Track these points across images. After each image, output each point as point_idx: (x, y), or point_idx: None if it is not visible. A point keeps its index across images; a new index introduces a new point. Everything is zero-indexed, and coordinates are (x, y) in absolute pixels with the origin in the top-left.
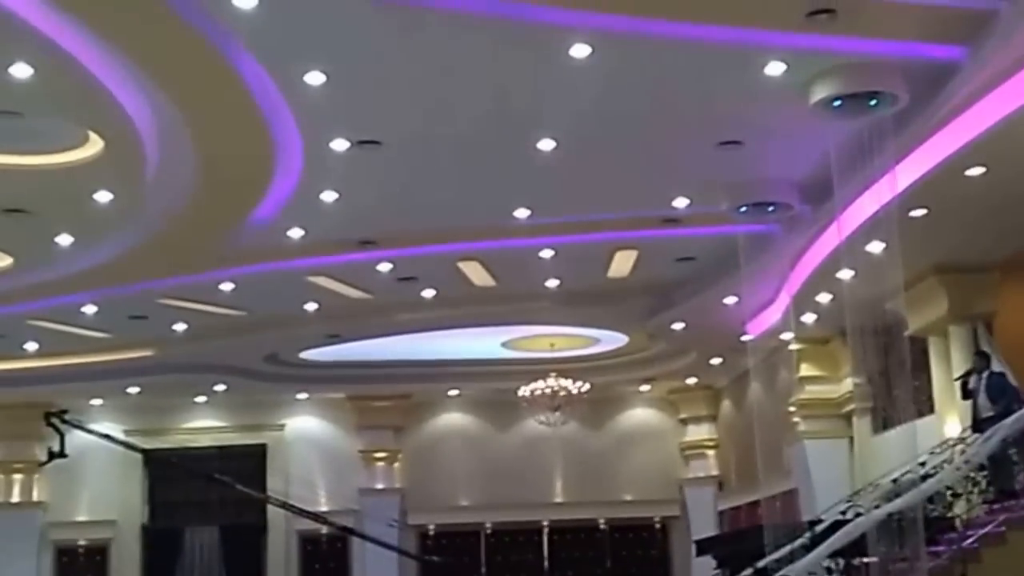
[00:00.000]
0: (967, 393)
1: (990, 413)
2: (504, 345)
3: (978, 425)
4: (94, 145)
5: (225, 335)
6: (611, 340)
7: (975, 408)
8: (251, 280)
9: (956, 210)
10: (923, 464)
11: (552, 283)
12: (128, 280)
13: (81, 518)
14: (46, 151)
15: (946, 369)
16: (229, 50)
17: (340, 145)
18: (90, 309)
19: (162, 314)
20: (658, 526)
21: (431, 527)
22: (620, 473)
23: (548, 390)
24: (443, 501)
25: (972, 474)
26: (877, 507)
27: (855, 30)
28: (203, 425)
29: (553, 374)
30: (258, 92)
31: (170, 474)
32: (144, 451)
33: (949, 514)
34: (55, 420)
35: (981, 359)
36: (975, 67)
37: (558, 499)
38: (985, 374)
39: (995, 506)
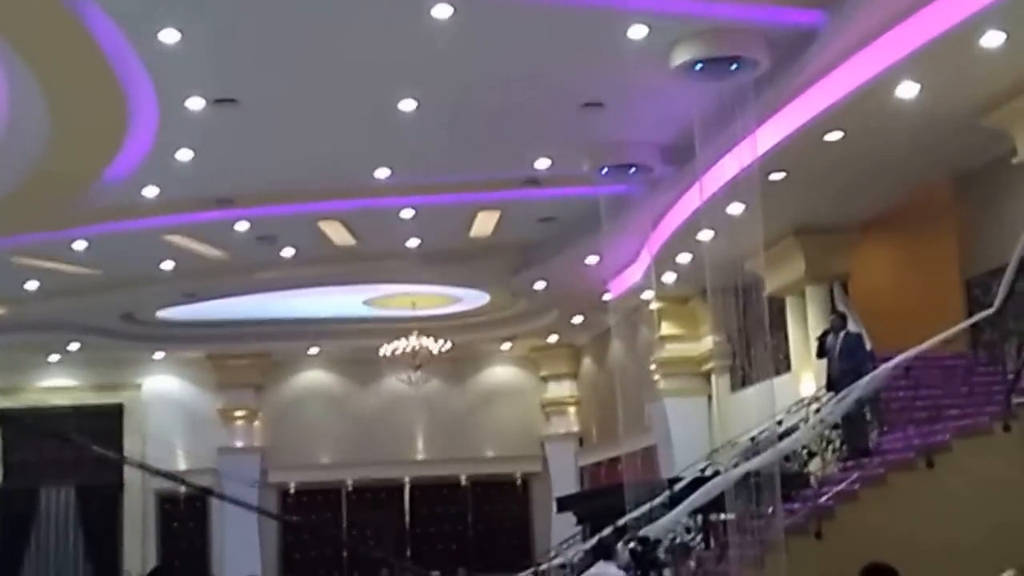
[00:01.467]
0: (823, 352)
1: (840, 373)
2: (366, 303)
3: (832, 384)
4: None
5: (79, 294)
6: (473, 299)
7: (830, 366)
8: (106, 239)
9: (815, 174)
10: (780, 423)
11: (413, 242)
12: None
13: None
14: None
15: (803, 328)
16: (80, 6)
17: (196, 103)
18: None
19: (13, 273)
20: (519, 482)
21: (292, 485)
22: (482, 430)
23: (409, 348)
24: (304, 459)
25: (827, 433)
26: (735, 465)
27: None
28: (58, 384)
29: (415, 332)
30: (111, 50)
31: (25, 433)
32: None
33: (805, 471)
34: None
35: (839, 319)
36: (834, 33)
37: (420, 456)
38: (842, 334)
39: (849, 463)
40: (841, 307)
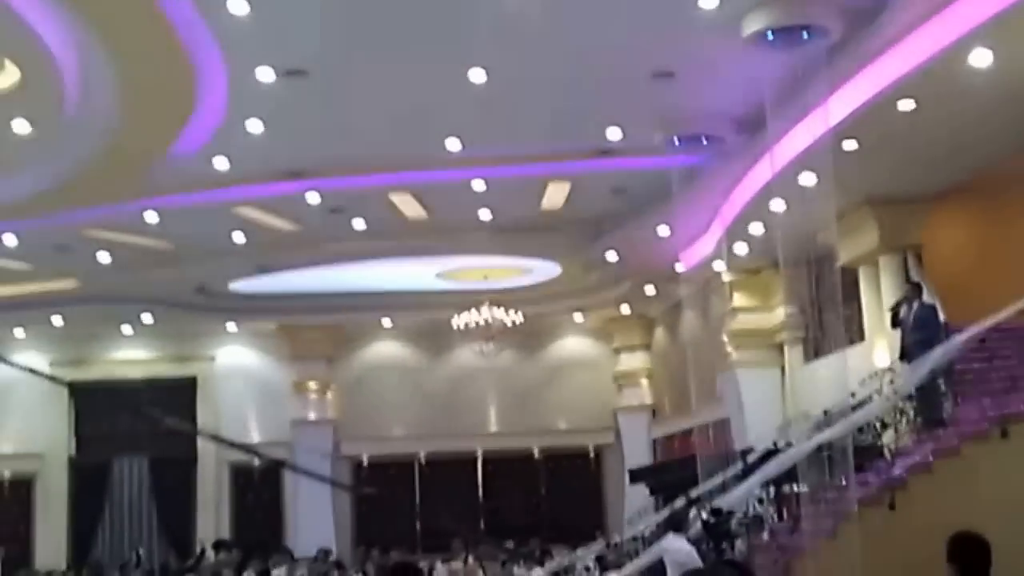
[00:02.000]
0: (896, 322)
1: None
2: (438, 276)
3: (905, 354)
4: (11, 74)
5: (152, 266)
6: (545, 270)
7: (903, 337)
8: (177, 211)
9: (887, 143)
10: (853, 394)
11: (485, 214)
12: (51, 211)
13: (5, 451)
14: None
15: (876, 299)
16: None
17: (266, 75)
18: (11, 240)
19: (87, 245)
20: (592, 454)
21: (365, 457)
22: (554, 402)
23: (482, 320)
24: (377, 431)
25: (900, 404)
26: (808, 437)
27: None
28: (131, 357)
29: (487, 304)
30: (180, 22)
31: (98, 406)
32: (69, 383)
33: (878, 443)
34: None
35: (914, 289)
36: (906, 0)
37: (492, 428)
38: (915, 304)
39: (922, 435)
40: (915, 277)
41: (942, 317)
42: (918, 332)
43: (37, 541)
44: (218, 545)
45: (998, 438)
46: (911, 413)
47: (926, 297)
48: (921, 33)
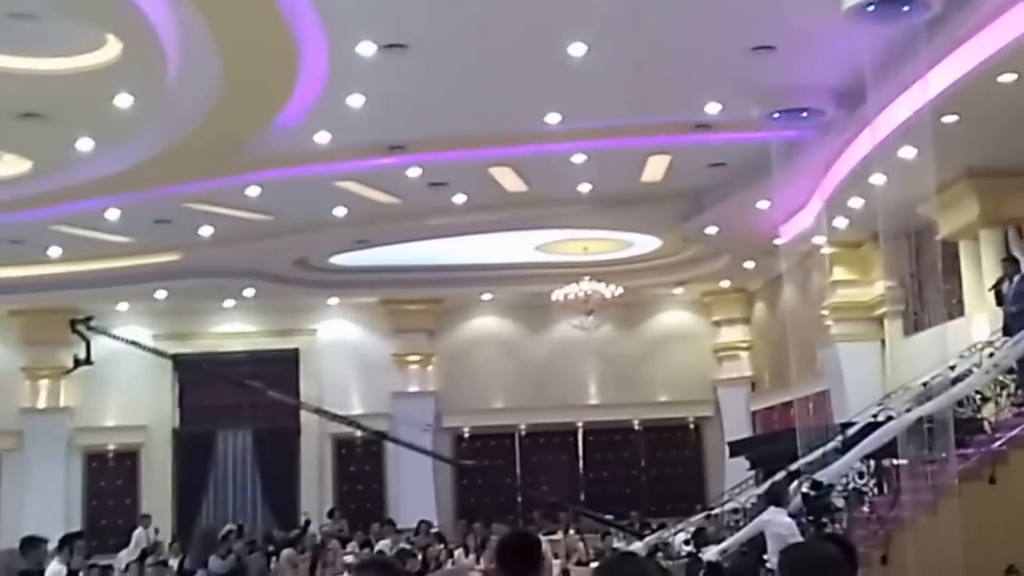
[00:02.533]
0: (1000, 300)
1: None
2: (537, 249)
3: (1007, 328)
4: (112, 48)
5: (253, 239)
6: (644, 243)
7: (1005, 313)
8: (278, 184)
9: (988, 116)
10: (953, 367)
11: (585, 188)
12: (152, 184)
13: (110, 423)
14: (63, 54)
15: (976, 272)
16: None
17: (366, 48)
18: (114, 214)
19: (187, 218)
20: (692, 426)
21: (465, 430)
22: (654, 375)
23: (581, 293)
24: (477, 404)
25: (1001, 377)
26: (908, 410)
27: None
28: (233, 330)
29: (586, 277)
30: None
31: (201, 378)
32: (172, 356)
33: (978, 416)
34: (80, 327)
35: (1011, 264)
36: None
37: (592, 401)
38: (1016, 278)
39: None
40: (1015, 250)
41: None
42: (1017, 305)
43: (143, 511)
44: (331, 513)
45: None
46: (1012, 387)
47: None
48: (1022, 6)
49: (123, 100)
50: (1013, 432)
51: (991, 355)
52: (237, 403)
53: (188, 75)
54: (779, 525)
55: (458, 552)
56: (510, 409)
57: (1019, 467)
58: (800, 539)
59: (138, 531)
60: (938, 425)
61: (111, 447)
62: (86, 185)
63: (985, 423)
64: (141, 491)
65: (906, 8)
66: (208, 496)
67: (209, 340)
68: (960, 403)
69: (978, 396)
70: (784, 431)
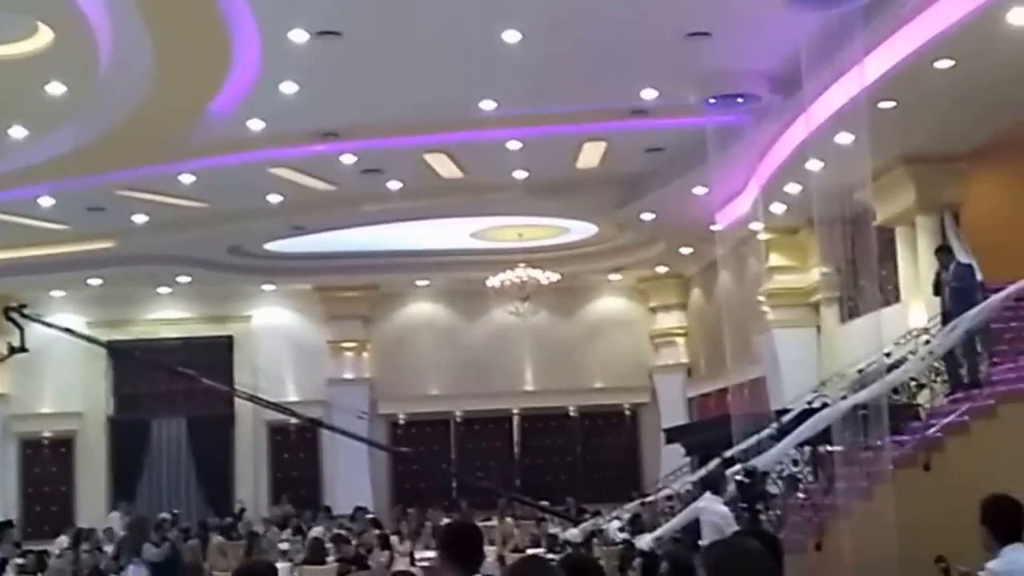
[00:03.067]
0: (939, 290)
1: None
2: (473, 235)
3: (947, 316)
4: (44, 36)
5: (187, 227)
6: (580, 230)
7: (943, 301)
8: (212, 172)
9: (924, 102)
10: (888, 354)
11: (520, 174)
12: (85, 172)
13: (45, 410)
14: None
15: (913, 259)
16: None
17: (299, 36)
18: (47, 201)
19: (122, 206)
20: (628, 413)
21: (401, 416)
22: (590, 361)
23: (517, 280)
24: (413, 390)
25: (936, 364)
26: (843, 397)
27: None
28: (168, 317)
29: (522, 264)
30: None
31: (135, 366)
32: (106, 344)
33: (914, 403)
34: (14, 314)
35: (945, 254)
36: None
37: (528, 387)
38: (952, 266)
39: (957, 395)
40: (952, 237)
41: (979, 276)
42: (955, 288)
43: (78, 499)
44: (277, 499)
45: None
46: (946, 373)
47: (961, 256)
48: None
49: (55, 88)
50: (948, 419)
51: (926, 342)
52: (171, 390)
53: (120, 63)
54: (713, 513)
55: (393, 538)
56: (446, 396)
57: (954, 454)
58: (735, 527)
59: (113, 515)
60: (873, 412)
61: (46, 434)
62: (19, 173)
63: (920, 410)
64: (76, 478)
65: None
66: (143, 483)
67: (143, 327)
68: (895, 390)
69: (913, 383)
70: (720, 418)
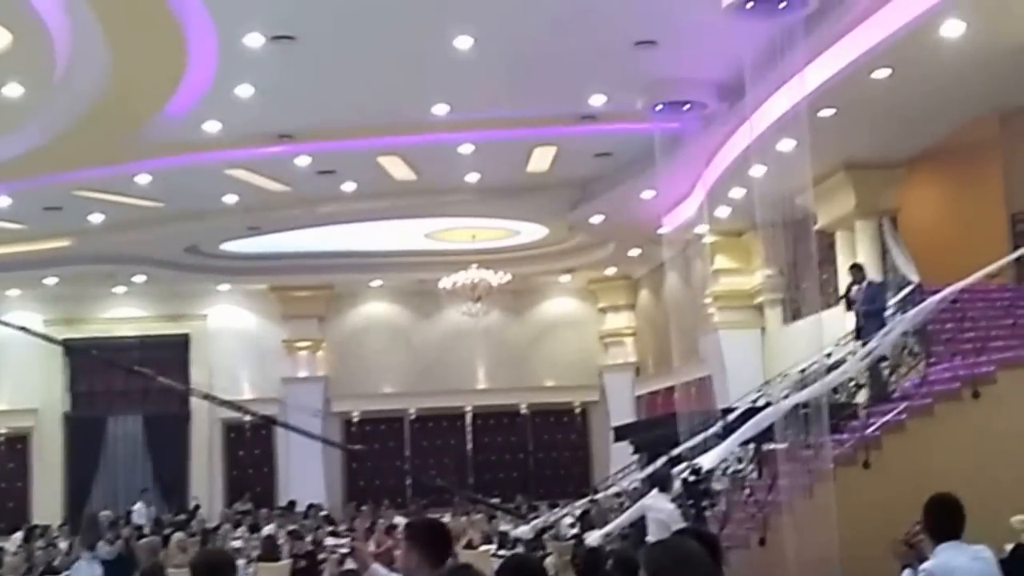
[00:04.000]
0: (850, 304)
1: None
2: (426, 236)
3: (859, 331)
4: (1, 38)
5: (144, 226)
6: (531, 232)
7: (857, 316)
8: (168, 172)
9: (863, 110)
10: (829, 355)
11: (472, 177)
12: (43, 172)
13: (1, 407)
14: None
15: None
16: None
17: (255, 40)
18: (4, 201)
19: (78, 205)
20: (578, 411)
21: (355, 414)
22: (541, 360)
23: (470, 280)
24: (367, 389)
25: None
26: (786, 396)
27: None
28: (124, 315)
29: (475, 265)
30: None
31: (91, 364)
32: (63, 342)
33: (853, 403)
34: None
35: (857, 271)
36: None
37: (481, 385)
38: (864, 283)
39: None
40: (889, 241)
41: (916, 278)
42: (867, 306)
43: (34, 496)
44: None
45: (970, 398)
46: (886, 372)
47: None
48: (896, 3)
49: (12, 89)
50: (886, 418)
51: (865, 343)
52: (127, 388)
53: (77, 65)
54: (660, 510)
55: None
56: (399, 394)
57: (892, 451)
58: (681, 524)
59: (138, 505)
60: (814, 411)
61: (2, 431)
62: None
63: (859, 409)
64: (32, 475)
65: (783, 5)
66: (98, 480)
67: (100, 325)
68: (835, 390)
69: (852, 383)
70: (667, 416)
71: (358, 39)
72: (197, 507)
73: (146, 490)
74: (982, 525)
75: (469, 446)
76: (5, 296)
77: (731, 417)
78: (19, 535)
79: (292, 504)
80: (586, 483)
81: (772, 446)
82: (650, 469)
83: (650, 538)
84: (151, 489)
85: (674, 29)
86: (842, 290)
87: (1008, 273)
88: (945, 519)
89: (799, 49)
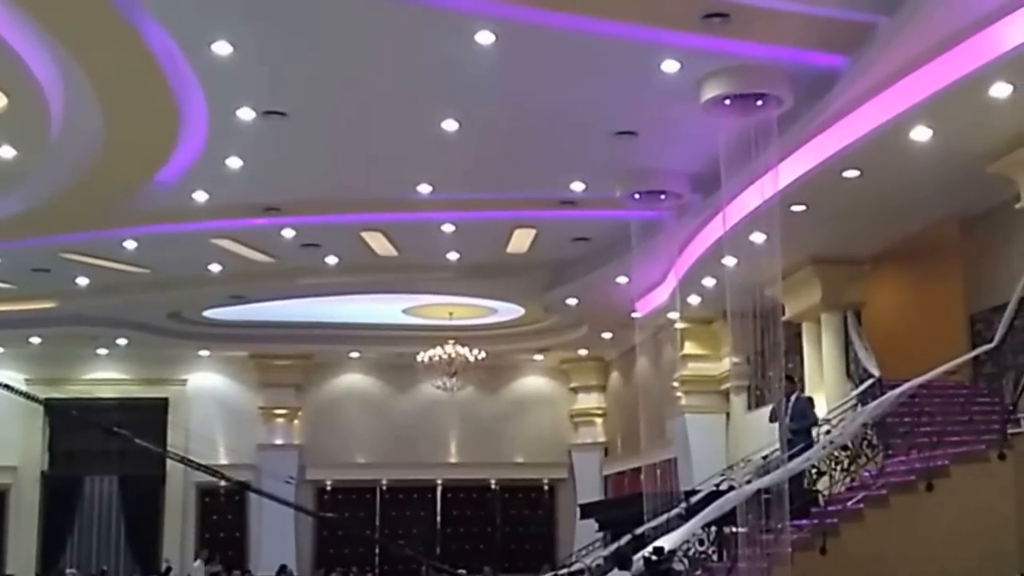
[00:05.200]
0: (773, 416)
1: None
2: (405, 312)
3: (785, 443)
4: None
5: (128, 291)
6: (508, 311)
7: (781, 428)
8: (155, 239)
9: (832, 208)
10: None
11: (453, 256)
12: (31, 234)
13: None
14: None
15: (817, 352)
16: (135, 17)
17: (246, 114)
18: None
19: (66, 268)
20: (546, 487)
21: (328, 483)
22: (512, 437)
23: (446, 356)
24: (341, 458)
25: (836, 453)
26: (748, 481)
27: (746, 35)
28: (105, 377)
29: (451, 341)
30: (164, 59)
31: (71, 423)
32: (44, 401)
33: (814, 489)
34: None
35: (790, 383)
36: (855, 76)
37: (452, 459)
38: (793, 397)
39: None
40: (853, 334)
41: (877, 372)
42: (796, 422)
43: (9, 550)
44: (209, 556)
45: (924, 490)
46: (845, 462)
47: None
48: (867, 108)
49: (6, 152)
50: (843, 506)
51: (828, 431)
52: (105, 449)
53: (71, 131)
54: None
55: None
56: (373, 464)
57: (848, 539)
58: None
59: (196, 564)
60: (775, 496)
61: None
62: None
63: (820, 496)
64: (8, 530)
65: (759, 103)
66: (73, 539)
67: (81, 386)
68: (797, 477)
69: (814, 470)
70: (632, 496)
71: (347, 118)
72: (169, 568)
73: (205, 549)
74: None
75: (439, 518)
76: None
77: (694, 499)
78: None
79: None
80: (551, 558)
81: (733, 529)
82: (613, 547)
83: None
84: (207, 549)
85: (653, 121)
86: (808, 378)
87: (966, 371)
88: None
89: (772, 147)
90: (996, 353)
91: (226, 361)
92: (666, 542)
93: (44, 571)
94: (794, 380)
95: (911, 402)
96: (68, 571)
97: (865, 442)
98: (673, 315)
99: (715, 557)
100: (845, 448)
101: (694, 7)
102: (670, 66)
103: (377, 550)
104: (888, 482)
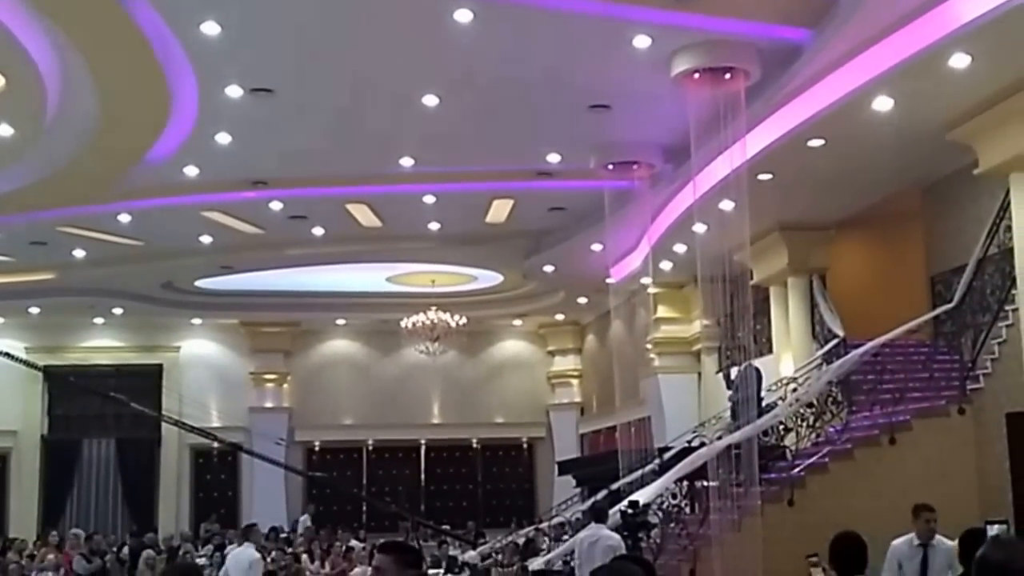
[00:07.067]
0: (730, 383)
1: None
2: (388, 280)
3: (734, 413)
4: None
5: (123, 263)
6: (488, 278)
7: (733, 395)
8: (148, 213)
9: (798, 176)
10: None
11: (434, 226)
12: (30, 209)
13: None
14: None
15: (784, 315)
16: (128, 0)
17: (234, 92)
18: None
19: (63, 241)
20: (525, 446)
21: (316, 444)
22: (492, 398)
23: (428, 322)
24: (328, 420)
25: (802, 410)
26: (719, 438)
27: (715, 10)
28: (101, 345)
29: (433, 308)
30: (156, 40)
31: (69, 389)
32: (43, 368)
33: (781, 444)
34: None
35: (738, 353)
36: (818, 49)
37: (435, 420)
38: (743, 365)
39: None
40: (818, 296)
41: (841, 332)
42: (744, 390)
43: (11, 513)
44: (214, 518)
45: (887, 444)
46: (811, 418)
47: (826, 316)
48: (831, 79)
49: (3, 130)
50: (810, 460)
51: (794, 390)
52: (102, 413)
53: (67, 110)
54: (610, 538)
55: (304, 558)
56: (359, 426)
57: (814, 491)
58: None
59: (304, 517)
60: (745, 452)
61: None
62: None
63: (787, 451)
64: (9, 493)
65: (728, 76)
66: (72, 499)
67: (79, 353)
68: (765, 432)
69: (782, 426)
70: (608, 453)
71: (332, 95)
72: (178, 547)
73: (311, 503)
74: None
75: (423, 476)
76: None
77: (667, 456)
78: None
79: (276, 531)
80: (531, 513)
81: (705, 483)
82: (590, 502)
83: (597, 563)
84: (311, 503)
85: (626, 95)
86: (775, 339)
87: (927, 330)
88: (849, 555)
89: (741, 117)
90: (955, 313)
91: (217, 329)
92: (641, 496)
93: (44, 531)
94: (743, 350)
95: (874, 360)
96: (72, 531)
97: (830, 399)
98: (646, 280)
99: (688, 510)
100: (811, 405)
101: None
102: (642, 41)
103: (364, 507)
104: (852, 436)
